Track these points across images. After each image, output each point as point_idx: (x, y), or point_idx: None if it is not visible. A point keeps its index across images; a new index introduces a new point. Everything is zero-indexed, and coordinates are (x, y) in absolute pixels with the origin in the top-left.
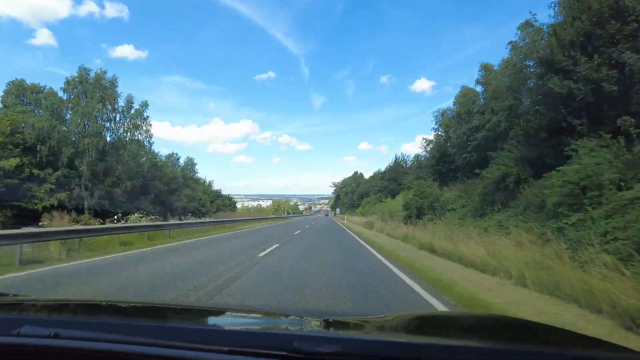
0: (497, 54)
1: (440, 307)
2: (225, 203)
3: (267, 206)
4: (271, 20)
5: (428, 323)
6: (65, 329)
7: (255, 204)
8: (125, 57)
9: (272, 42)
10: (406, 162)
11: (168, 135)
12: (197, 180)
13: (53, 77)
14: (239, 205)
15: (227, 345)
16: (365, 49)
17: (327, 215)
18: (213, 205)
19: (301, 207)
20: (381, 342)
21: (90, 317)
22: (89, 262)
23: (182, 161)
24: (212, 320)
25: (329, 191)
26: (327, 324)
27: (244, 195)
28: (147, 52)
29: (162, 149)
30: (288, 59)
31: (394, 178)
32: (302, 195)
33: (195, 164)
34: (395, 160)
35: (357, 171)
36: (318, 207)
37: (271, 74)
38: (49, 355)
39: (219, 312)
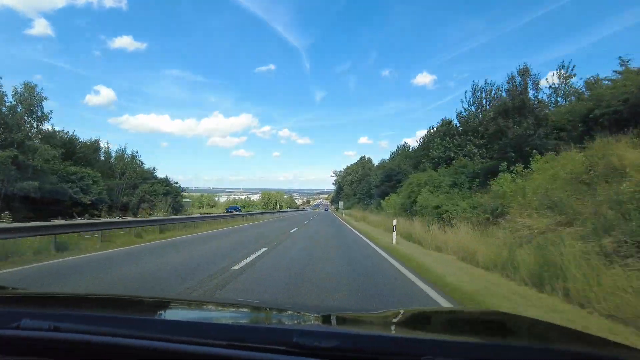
0: (498, 50)
1: None
2: (155, 189)
3: (255, 199)
4: (272, 12)
5: (427, 319)
6: (64, 323)
7: (243, 197)
8: (124, 49)
9: (273, 34)
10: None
11: (167, 127)
12: (57, 136)
13: (53, 69)
14: (223, 199)
15: (226, 340)
16: (367, 42)
17: (326, 209)
18: (135, 194)
19: (299, 201)
20: (380, 337)
21: (89, 311)
22: None
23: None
24: (211, 314)
25: (328, 185)
26: (327, 320)
27: (243, 188)
28: (146, 44)
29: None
30: (289, 52)
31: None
32: (302, 189)
33: (45, 99)
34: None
35: (364, 155)
36: (317, 201)
37: (271, 66)
38: (48, 349)
39: (218, 307)
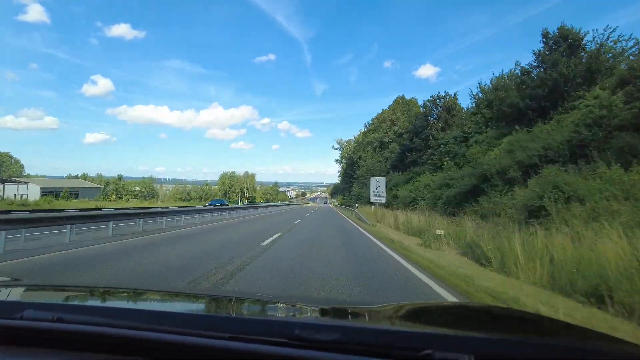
0: (501, 45)
1: None
2: None
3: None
4: (274, 3)
5: (429, 313)
6: (67, 314)
7: (200, 185)
8: (121, 37)
9: (274, 26)
10: None
11: (166, 119)
12: None
13: (54, 60)
14: (168, 188)
15: (228, 332)
16: (369, 34)
17: (325, 202)
18: None
19: (292, 194)
20: (381, 330)
21: (92, 302)
22: None
23: None
24: (213, 307)
25: (327, 180)
26: (328, 312)
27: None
28: (145, 33)
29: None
30: (290, 44)
31: None
32: (301, 183)
33: None
34: None
35: (402, 95)
36: (315, 194)
37: (271, 56)
38: (51, 339)
39: (220, 299)
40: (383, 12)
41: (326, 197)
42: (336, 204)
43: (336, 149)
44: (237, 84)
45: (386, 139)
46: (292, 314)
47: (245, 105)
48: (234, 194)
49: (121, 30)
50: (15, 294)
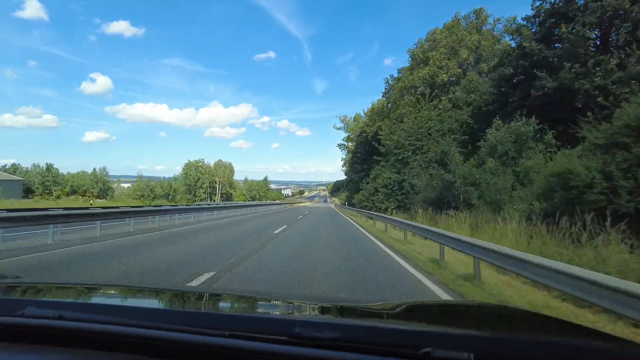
0: None
1: None
2: None
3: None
4: (274, 2)
5: (429, 311)
6: (69, 311)
7: (148, 180)
8: (121, 34)
9: (274, 24)
10: None
11: (165, 117)
12: None
13: (52, 57)
14: (121, 186)
15: (228, 330)
16: (369, 32)
17: (325, 201)
18: None
19: (288, 192)
20: (379, 328)
21: (94, 300)
22: None
23: None
24: (213, 304)
25: (328, 178)
26: (328, 310)
27: (242, 180)
28: (144, 30)
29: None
30: (290, 43)
31: None
32: (301, 181)
33: None
34: None
35: (457, 14)
36: (314, 192)
37: (271, 54)
38: (53, 336)
39: (220, 297)
40: (384, 10)
41: (326, 196)
42: (337, 203)
43: (339, 128)
44: (237, 82)
45: (444, 77)
46: (292, 311)
47: (245, 103)
48: (201, 190)
49: (120, 27)
50: (17, 292)
